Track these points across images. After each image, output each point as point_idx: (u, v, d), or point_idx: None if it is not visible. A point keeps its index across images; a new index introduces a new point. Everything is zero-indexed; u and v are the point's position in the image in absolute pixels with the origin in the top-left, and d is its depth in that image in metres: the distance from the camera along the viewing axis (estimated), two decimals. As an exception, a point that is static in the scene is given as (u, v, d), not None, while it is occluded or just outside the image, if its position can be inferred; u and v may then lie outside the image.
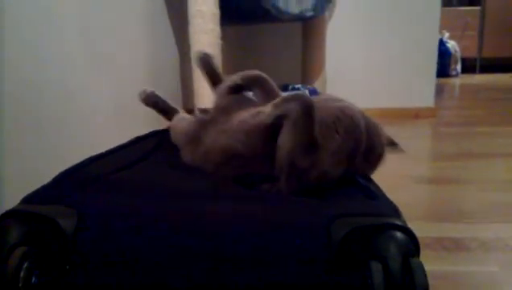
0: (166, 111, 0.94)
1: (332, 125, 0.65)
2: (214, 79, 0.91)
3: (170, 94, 0.97)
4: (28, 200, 0.56)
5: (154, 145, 0.88)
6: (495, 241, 1.01)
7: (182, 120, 0.89)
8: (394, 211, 0.55)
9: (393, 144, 0.77)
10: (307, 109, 0.62)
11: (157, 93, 0.94)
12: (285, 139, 0.63)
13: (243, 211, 0.55)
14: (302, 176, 0.62)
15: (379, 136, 0.72)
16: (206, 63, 0.92)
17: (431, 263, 0.91)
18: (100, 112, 1.24)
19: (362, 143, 0.67)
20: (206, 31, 1.59)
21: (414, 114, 2.41)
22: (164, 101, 0.94)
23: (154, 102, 0.93)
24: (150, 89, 0.93)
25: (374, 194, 0.61)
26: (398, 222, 0.51)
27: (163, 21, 1.88)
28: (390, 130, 0.78)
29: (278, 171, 0.63)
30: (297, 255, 0.50)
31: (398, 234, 0.50)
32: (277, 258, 0.50)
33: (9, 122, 0.85)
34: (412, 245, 0.50)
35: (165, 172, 0.72)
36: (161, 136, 0.95)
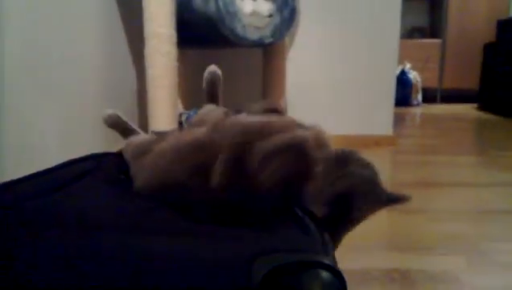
0: (127, 133, 0.92)
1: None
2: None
3: (127, 116, 0.94)
4: None
5: (88, 169, 0.82)
6: (442, 273, 0.99)
7: (140, 136, 0.88)
8: (323, 247, 0.52)
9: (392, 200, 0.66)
10: None
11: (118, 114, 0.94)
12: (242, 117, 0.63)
13: (161, 247, 0.51)
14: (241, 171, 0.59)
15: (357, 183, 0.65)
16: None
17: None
18: (53, 135, 1.18)
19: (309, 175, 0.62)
20: (162, 52, 1.56)
21: (375, 142, 2.44)
22: (126, 123, 0.93)
23: (115, 123, 0.93)
24: (112, 110, 0.93)
25: (308, 227, 0.58)
26: (323, 260, 0.47)
27: (121, 41, 1.84)
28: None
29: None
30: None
31: (323, 274, 0.46)
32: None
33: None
34: (338, 284, 0.46)
35: (87, 200, 0.66)
36: (97, 160, 0.90)
